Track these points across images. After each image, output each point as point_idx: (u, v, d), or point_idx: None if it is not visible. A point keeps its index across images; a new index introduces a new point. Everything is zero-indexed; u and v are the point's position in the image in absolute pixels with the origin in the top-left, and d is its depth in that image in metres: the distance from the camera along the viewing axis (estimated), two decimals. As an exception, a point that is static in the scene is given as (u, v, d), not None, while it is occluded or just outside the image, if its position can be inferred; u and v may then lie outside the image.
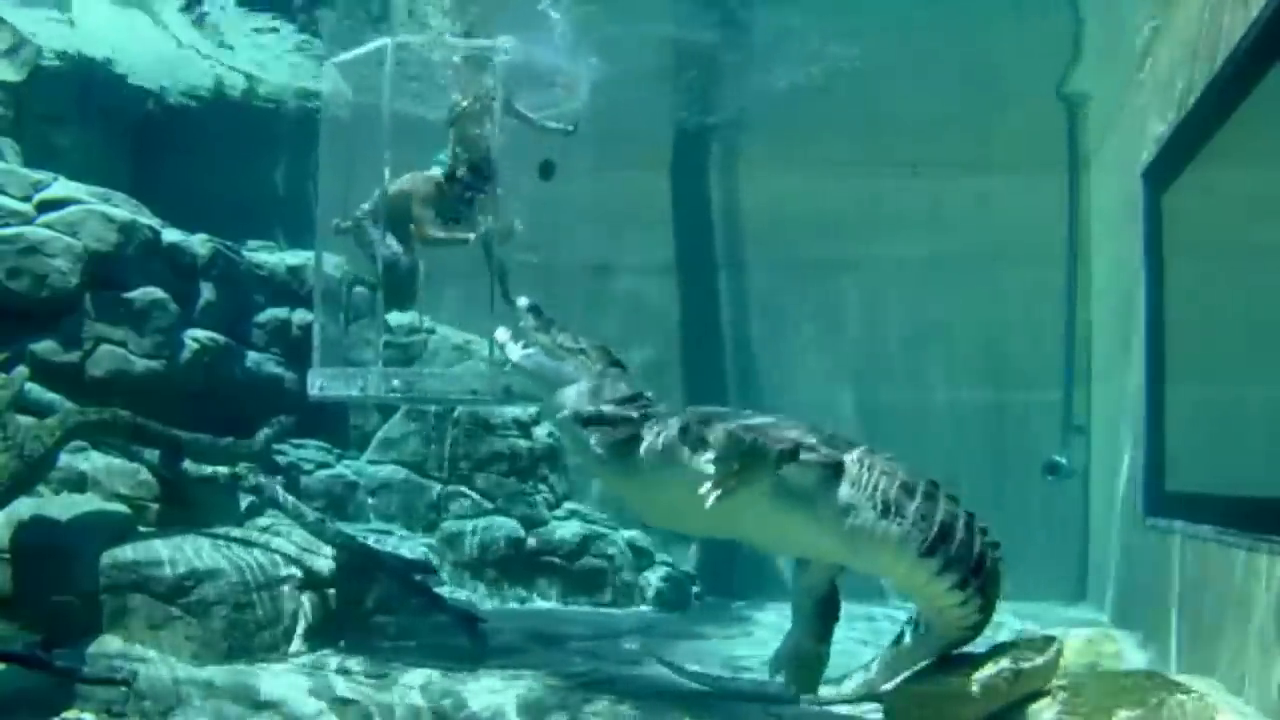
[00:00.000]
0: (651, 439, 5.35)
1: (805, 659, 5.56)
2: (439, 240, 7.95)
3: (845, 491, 4.90)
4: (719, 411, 5.39)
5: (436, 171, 8.06)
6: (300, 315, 9.89)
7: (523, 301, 6.23)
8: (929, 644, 5.22)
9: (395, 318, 9.94)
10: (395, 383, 7.36)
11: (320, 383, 7.64)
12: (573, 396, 5.73)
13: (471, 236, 7.89)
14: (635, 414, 5.48)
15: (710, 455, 4.97)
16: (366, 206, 7.93)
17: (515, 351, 6.10)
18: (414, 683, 6.46)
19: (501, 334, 6.28)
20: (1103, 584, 9.61)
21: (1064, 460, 10.98)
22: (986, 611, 4.95)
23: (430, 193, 7.96)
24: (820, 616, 5.56)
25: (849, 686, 5.95)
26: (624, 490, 5.92)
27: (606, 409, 5.55)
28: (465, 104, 8.10)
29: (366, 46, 7.70)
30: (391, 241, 7.87)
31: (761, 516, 5.09)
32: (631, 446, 5.42)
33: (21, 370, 7.14)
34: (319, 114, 8.64)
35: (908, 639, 5.46)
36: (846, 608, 5.68)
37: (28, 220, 8.02)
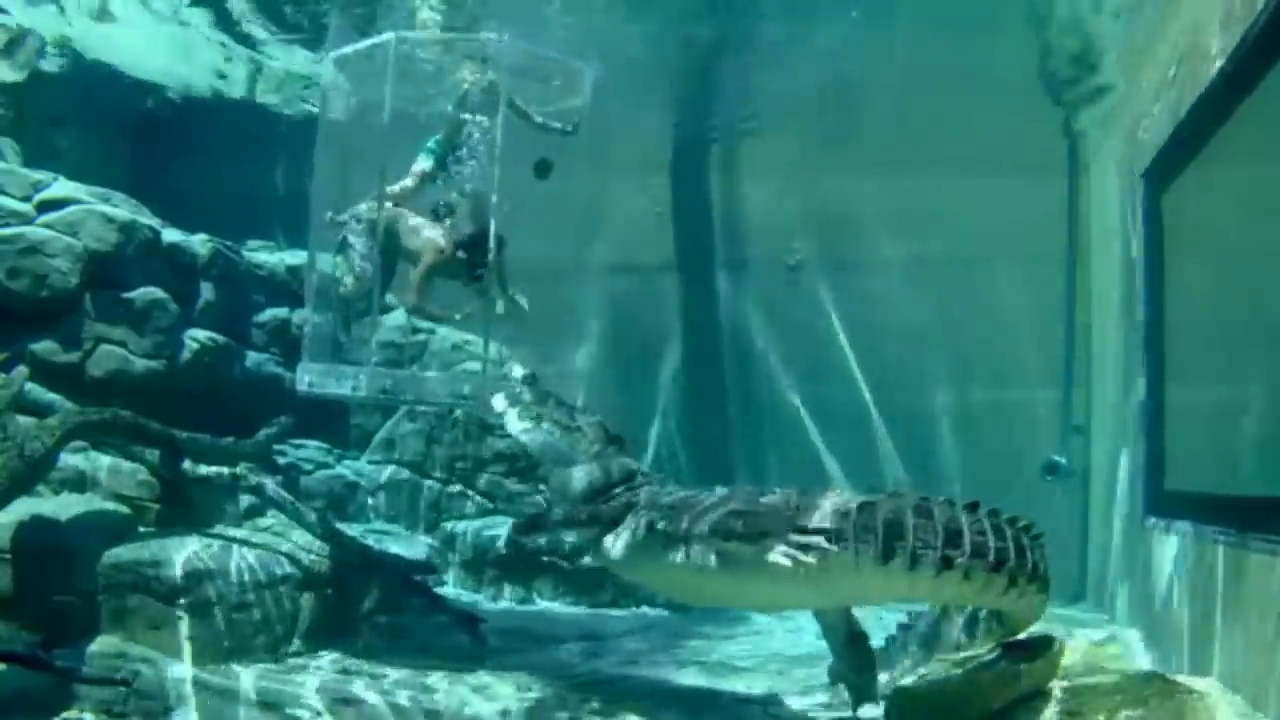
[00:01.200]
0: (626, 535, 5.55)
1: (852, 685, 5.75)
2: (424, 311, 7.82)
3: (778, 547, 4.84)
4: (686, 501, 5.45)
5: (444, 239, 7.80)
6: (300, 315, 9.88)
7: (518, 371, 6.34)
8: (1002, 628, 5.15)
9: (392, 318, 9.94)
10: (387, 383, 7.29)
11: (309, 379, 7.54)
12: (573, 483, 6.00)
13: (458, 317, 7.77)
14: (601, 515, 5.71)
15: (683, 555, 5.13)
16: (356, 213, 7.79)
17: (514, 425, 6.31)
18: (414, 682, 6.47)
19: (499, 403, 6.41)
20: (1102, 584, 9.61)
21: (1064, 460, 10.98)
22: (1009, 575, 4.61)
23: (440, 263, 7.74)
24: (852, 650, 5.63)
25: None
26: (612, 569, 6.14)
27: (577, 513, 5.81)
28: (472, 81, 7.97)
29: (368, 41, 7.64)
30: (368, 261, 7.74)
31: (735, 590, 5.28)
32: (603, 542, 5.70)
33: (21, 370, 7.14)
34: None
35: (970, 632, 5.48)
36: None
37: (28, 220, 8.02)
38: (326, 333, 8.32)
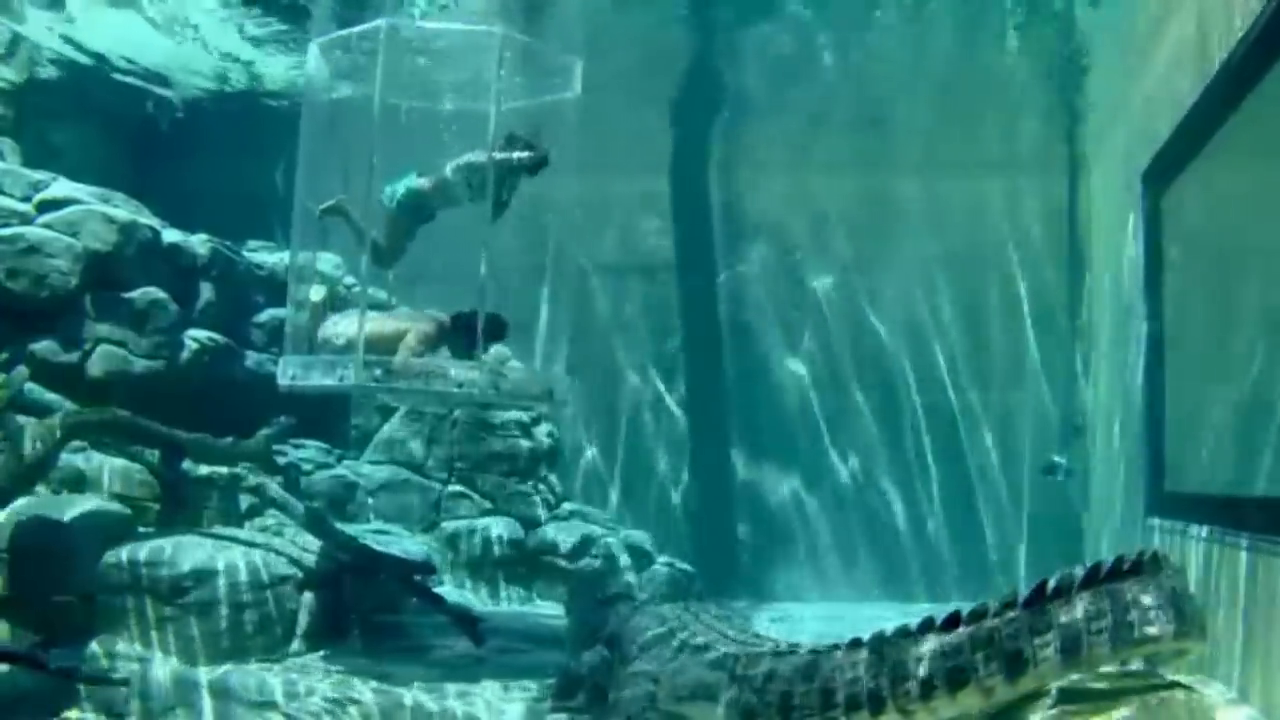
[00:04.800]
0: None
1: None
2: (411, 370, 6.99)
3: None
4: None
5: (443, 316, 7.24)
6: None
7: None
8: None
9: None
10: (377, 372, 6.95)
11: (292, 372, 7.09)
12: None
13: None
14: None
15: None
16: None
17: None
18: (414, 682, 6.47)
19: None
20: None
21: (1064, 460, 10.98)
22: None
23: (431, 336, 7.15)
24: None
25: None
26: None
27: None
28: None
29: (357, 28, 7.39)
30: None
31: None
32: None
33: (21, 370, 7.15)
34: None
35: None
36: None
37: (28, 220, 8.04)
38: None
